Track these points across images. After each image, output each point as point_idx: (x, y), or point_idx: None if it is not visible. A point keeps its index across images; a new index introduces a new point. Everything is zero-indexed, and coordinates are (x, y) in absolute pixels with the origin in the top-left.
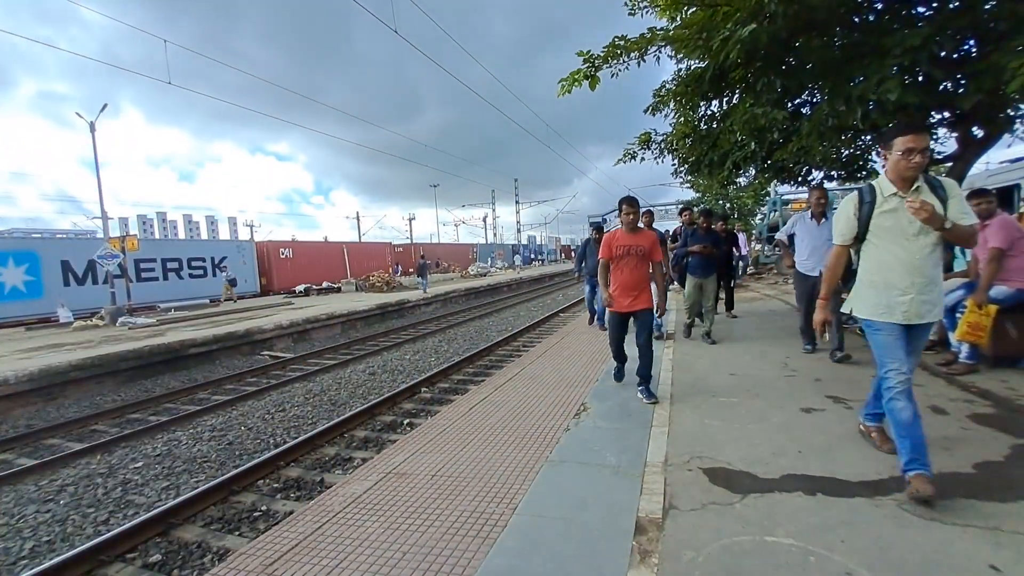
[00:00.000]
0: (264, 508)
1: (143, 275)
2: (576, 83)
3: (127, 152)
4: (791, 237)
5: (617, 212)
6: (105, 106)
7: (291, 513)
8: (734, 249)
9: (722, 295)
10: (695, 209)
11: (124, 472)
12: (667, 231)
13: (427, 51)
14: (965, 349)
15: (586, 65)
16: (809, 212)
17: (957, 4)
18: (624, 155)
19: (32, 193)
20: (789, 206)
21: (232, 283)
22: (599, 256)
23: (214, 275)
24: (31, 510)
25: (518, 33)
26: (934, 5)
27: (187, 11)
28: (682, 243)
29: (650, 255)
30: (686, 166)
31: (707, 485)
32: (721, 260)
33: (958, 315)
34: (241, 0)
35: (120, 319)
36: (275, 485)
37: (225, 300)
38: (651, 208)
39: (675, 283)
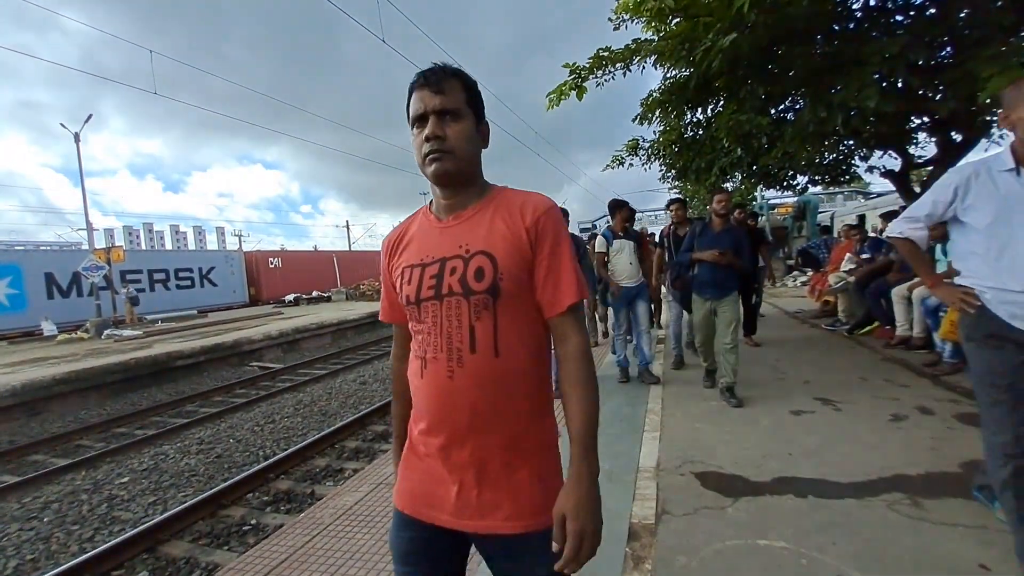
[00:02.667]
0: (254, 522)
1: (129, 286)
2: (564, 96)
3: (112, 161)
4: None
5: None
6: (90, 117)
7: (281, 526)
8: (759, 255)
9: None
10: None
11: (110, 488)
12: (652, 234)
13: (416, 59)
14: (949, 348)
15: (572, 76)
16: (1008, 154)
17: (933, 12)
18: (612, 161)
19: (14, 204)
20: (775, 210)
21: (134, 302)
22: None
23: (202, 285)
24: (14, 528)
25: (507, 40)
26: (911, 14)
27: (176, 18)
28: (686, 245)
29: (536, 288)
30: (673, 172)
31: (699, 489)
32: (746, 270)
33: (941, 315)
34: (231, 8)
35: (105, 331)
36: (265, 498)
37: (128, 323)
38: (624, 202)
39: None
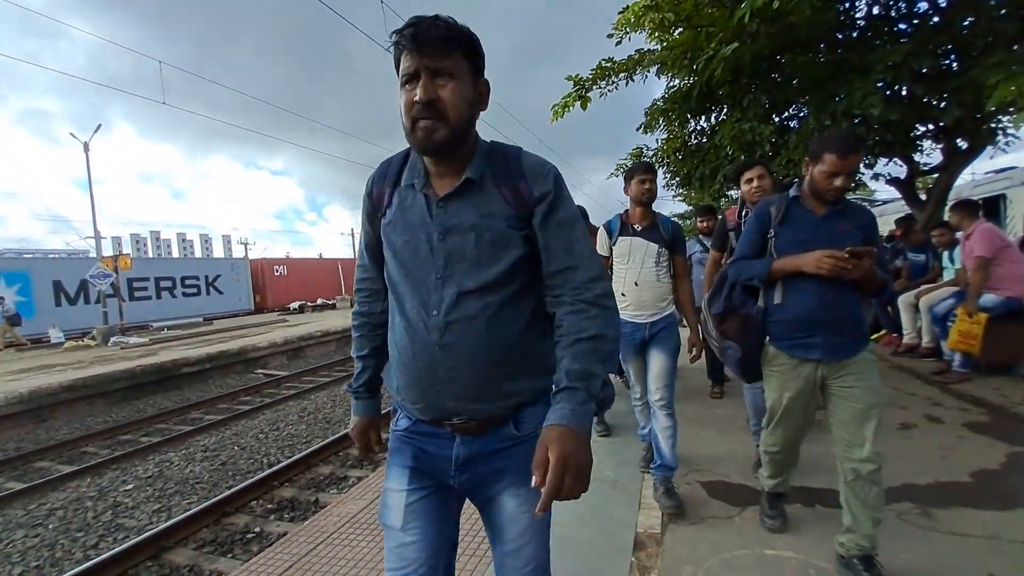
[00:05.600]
0: (258, 530)
1: (136, 294)
2: (568, 107)
3: (119, 169)
4: None
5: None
6: (99, 127)
7: (285, 534)
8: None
9: None
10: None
11: (115, 495)
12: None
13: None
14: (958, 358)
15: (576, 88)
16: None
17: (936, 21)
18: (616, 169)
19: (23, 213)
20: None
21: (13, 321)
22: None
23: (208, 293)
24: (19, 535)
25: (513, 48)
26: (915, 22)
27: (185, 26)
28: (744, 247)
29: None
30: (677, 179)
31: (705, 499)
32: (889, 290)
33: (949, 324)
34: (239, 16)
35: (112, 339)
36: (269, 506)
37: (6, 346)
38: (647, 165)
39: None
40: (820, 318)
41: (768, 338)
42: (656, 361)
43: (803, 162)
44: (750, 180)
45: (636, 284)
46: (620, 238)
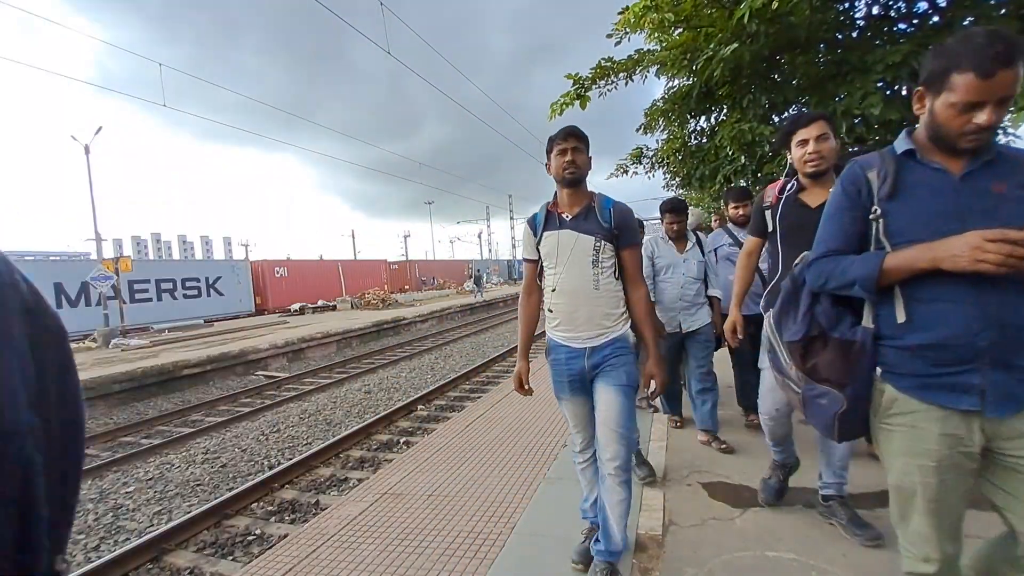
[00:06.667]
0: (258, 532)
1: (137, 296)
2: (566, 105)
3: (120, 171)
4: None
5: None
6: (100, 129)
7: (285, 536)
8: None
9: None
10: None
11: (115, 497)
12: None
13: (423, 69)
14: None
15: (575, 87)
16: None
17: (936, 21)
18: (616, 169)
19: (24, 215)
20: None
21: None
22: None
23: (208, 295)
24: None
25: (513, 49)
26: (914, 22)
27: (185, 28)
28: (829, 234)
29: None
30: (677, 180)
31: (707, 500)
32: None
33: None
34: (239, 17)
35: (113, 341)
36: (269, 508)
37: None
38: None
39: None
40: (981, 344)
41: (879, 371)
42: (603, 403)
43: (914, 94)
44: (804, 142)
45: (564, 293)
46: (545, 233)
